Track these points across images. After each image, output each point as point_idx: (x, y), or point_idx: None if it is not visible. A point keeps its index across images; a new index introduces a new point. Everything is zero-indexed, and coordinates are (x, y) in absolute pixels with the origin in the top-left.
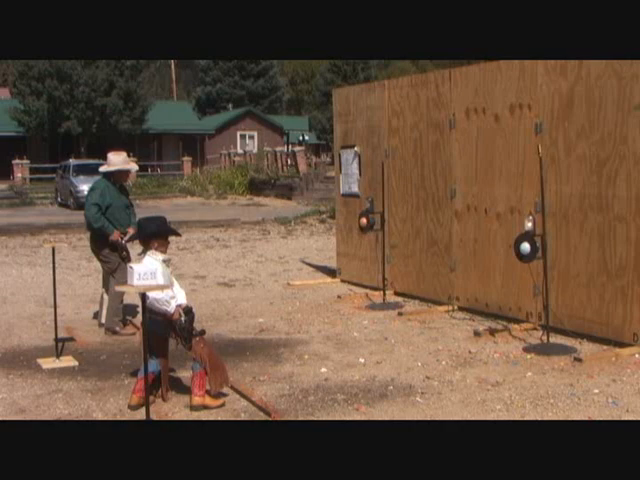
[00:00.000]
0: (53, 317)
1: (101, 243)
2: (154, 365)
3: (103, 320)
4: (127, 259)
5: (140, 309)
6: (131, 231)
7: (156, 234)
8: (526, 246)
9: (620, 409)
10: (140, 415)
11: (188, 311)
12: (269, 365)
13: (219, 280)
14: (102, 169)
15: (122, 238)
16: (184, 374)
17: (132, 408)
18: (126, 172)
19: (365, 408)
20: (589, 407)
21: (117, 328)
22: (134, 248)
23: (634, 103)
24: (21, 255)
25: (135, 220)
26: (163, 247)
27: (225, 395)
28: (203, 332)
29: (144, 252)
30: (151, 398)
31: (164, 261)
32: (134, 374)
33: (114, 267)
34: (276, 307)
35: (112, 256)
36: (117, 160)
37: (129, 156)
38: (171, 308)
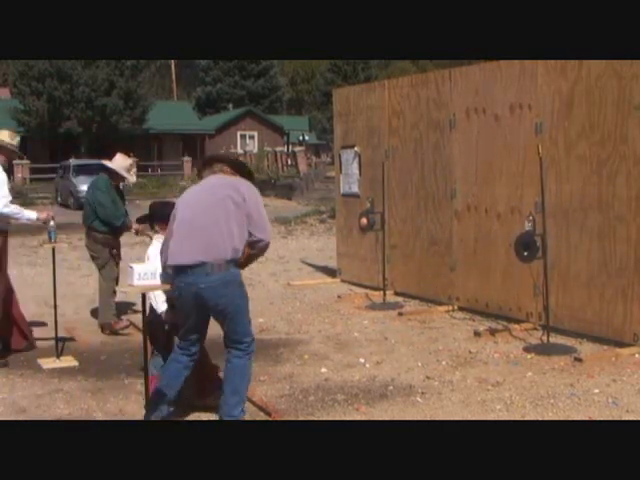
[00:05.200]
0: (53, 317)
1: (95, 238)
2: (160, 361)
3: (98, 318)
4: (117, 257)
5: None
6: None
7: (163, 218)
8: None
9: (620, 409)
10: (140, 415)
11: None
12: (269, 365)
13: None
14: (104, 161)
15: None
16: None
17: None
18: (120, 177)
19: (365, 408)
20: (589, 407)
21: (112, 322)
22: (139, 247)
23: (634, 103)
24: (21, 255)
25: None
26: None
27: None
28: None
29: (153, 231)
30: None
31: None
32: (140, 375)
33: (103, 263)
34: (276, 307)
35: (103, 252)
36: (122, 163)
37: (129, 156)
38: (159, 307)
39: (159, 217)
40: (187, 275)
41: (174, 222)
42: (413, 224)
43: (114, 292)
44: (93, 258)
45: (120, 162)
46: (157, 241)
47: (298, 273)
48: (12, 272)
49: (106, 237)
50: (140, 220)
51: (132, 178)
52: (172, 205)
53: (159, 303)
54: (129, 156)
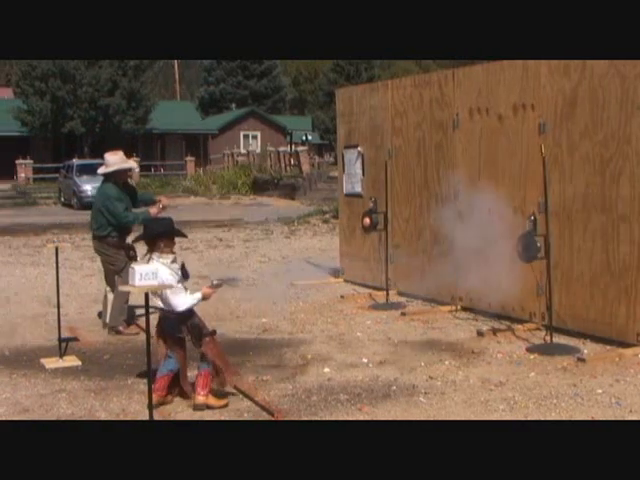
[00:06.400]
0: (56, 317)
1: (107, 244)
2: (173, 364)
3: (108, 320)
4: (134, 258)
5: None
6: (164, 200)
7: (162, 235)
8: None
9: (623, 409)
10: (143, 415)
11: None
12: (272, 365)
13: (223, 280)
14: (100, 171)
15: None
16: (188, 373)
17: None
18: (125, 170)
19: (368, 408)
20: (592, 407)
21: (120, 328)
22: (142, 246)
23: (637, 103)
24: (24, 255)
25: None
26: (169, 247)
27: (228, 395)
28: (214, 332)
29: (149, 253)
30: (169, 397)
31: (172, 262)
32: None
33: (121, 266)
34: (279, 307)
35: (119, 256)
36: (114, 159)
37: (132, 156)
38: (193, 298)
39: (157, 233)
40: None
41: None
42: (416, 224)
43: (127, 299)
44: (109, 263)
45: (112, 160)
46: (158, 262)
47: (301, 273)
48: (15, 272)
49: (120, 241)
50: (138, 239)
51: (133, 164)
52: (168, 220)
53: (187, 300)
54: (131, 154)
